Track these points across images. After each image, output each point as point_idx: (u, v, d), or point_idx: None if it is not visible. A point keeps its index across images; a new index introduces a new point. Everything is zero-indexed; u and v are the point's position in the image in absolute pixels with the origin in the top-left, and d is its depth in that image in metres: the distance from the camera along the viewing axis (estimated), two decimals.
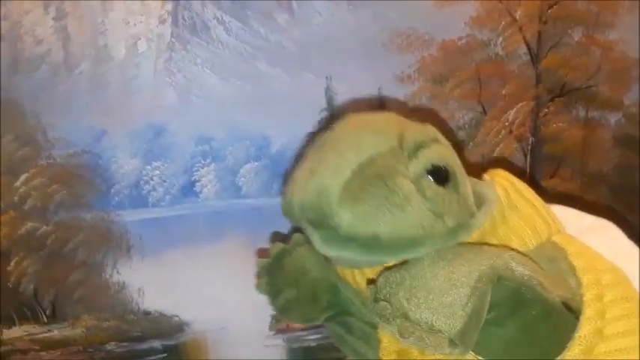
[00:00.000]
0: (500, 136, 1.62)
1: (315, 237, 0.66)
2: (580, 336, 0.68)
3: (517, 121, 1.61)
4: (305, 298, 0.81)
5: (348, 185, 0.63)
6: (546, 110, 1.63)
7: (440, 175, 0.66)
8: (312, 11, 1.52)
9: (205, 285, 1.55)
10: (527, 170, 1.64)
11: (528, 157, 1.63)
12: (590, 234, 0.79)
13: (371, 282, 0.69)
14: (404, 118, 0.70)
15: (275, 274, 0.82)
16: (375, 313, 0.64)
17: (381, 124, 0.68)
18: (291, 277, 0.81)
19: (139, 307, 1.55)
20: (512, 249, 0.71)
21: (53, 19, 1.44)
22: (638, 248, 0.82)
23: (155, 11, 1.46)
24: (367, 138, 0.65)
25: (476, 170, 0.74)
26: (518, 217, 0.76)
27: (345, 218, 0.62)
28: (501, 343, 0.64)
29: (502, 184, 0.77)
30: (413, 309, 0.61)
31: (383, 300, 0.63)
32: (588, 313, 0.69)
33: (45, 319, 1.55)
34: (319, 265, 0.83)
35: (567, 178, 1.67)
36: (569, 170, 1.67)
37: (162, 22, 1.47)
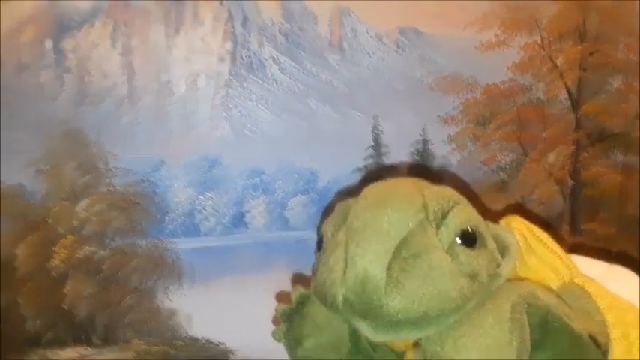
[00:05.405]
0: (539, 178, 1.66)
1: (364, 327, 0.65)
2: None
3: (557, 164, 1.65)
4: (327, 348, 0.76)
5: (390, 271, 0.62)
6: (585, 154, 1.66)
7: (468, 238, 0.66)
8: (362, 53, 1.61)
9: (251, 313, 1.59)
10: (569, 213, 1.66)
11: (568, 199, 1.67)
12: (606, 280, 0.79)
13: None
14: (422, 183, 0.70)
15: (295, 321, 0.76)
16: None
17: (404, 197, 0.67)
18: (314, 325, 0.76)
19: (187, 333, 1.60)
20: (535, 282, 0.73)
21: (120, 54, 1.54)
22: None
23: (215, 50, 1.56)
24: (396, 217, 0.65)
25: (492, 217, 0.76)
26: (536, 259, 0.77)
27: (395, 305, 0.62)
28: None
29: (519, 228, 0.77)
30: (465, 358, 0.62)
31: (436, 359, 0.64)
32: (617, 350, 0.70)
33: (98, 342, 1.60)
34: None
35: (606, 222, 1.69)
36: (608, 214, 1.70)
37: (221, 60, 1.56)
